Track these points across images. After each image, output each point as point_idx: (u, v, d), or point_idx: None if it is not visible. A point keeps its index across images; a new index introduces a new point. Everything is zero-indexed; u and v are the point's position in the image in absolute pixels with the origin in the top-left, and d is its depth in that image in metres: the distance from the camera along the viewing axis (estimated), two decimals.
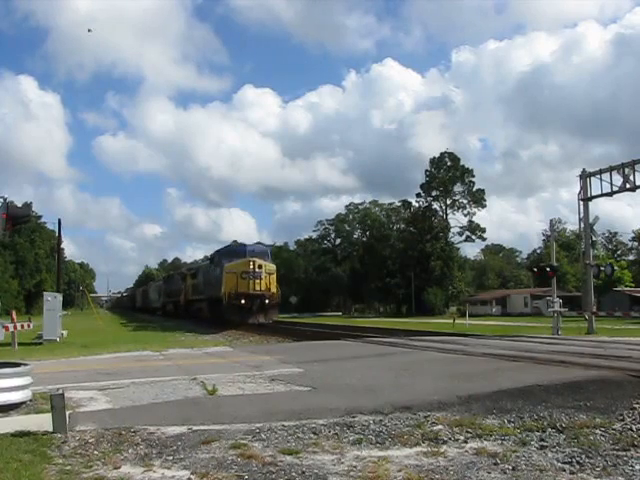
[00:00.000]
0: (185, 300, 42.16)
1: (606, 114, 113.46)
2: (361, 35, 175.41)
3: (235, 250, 32.15)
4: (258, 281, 29.09)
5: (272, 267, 30.90)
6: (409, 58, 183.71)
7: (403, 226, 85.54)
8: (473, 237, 78.55)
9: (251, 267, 28.99)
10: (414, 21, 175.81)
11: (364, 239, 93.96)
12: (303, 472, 4.67)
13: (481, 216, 79.76)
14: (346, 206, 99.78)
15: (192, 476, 4.64)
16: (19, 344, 17.77)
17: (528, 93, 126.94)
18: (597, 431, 5.76)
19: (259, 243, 43.21)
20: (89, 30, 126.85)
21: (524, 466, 4.73)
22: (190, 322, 35.35)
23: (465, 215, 77.63)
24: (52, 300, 20.81)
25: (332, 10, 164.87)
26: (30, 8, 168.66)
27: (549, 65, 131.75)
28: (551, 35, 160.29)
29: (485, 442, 5.52)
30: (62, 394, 5.96)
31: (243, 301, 28.27)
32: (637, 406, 6.79)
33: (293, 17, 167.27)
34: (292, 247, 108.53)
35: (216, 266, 32.09)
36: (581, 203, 25.22)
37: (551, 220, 42.82)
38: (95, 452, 5.35)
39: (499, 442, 5.51)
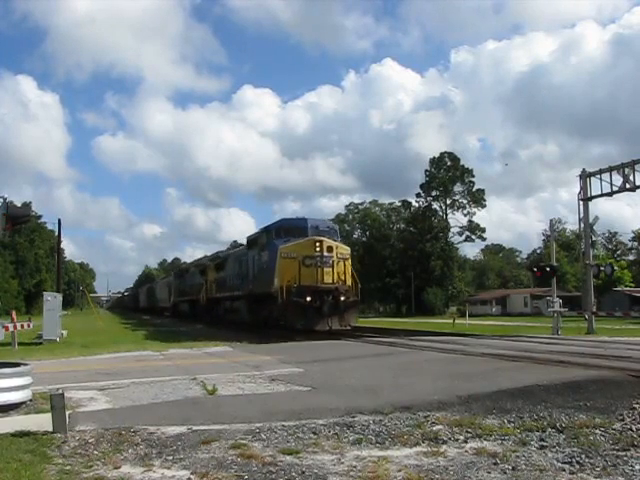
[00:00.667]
0: (206, 299, 34.07)
1: (605, 114, 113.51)
2: (359, 35, 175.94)
3: (292, 226, 22.92)
4: (328, 269, 21.00)
5: (346, 250, 22.74)
6: (408, 58, 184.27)
7: (403, 226, 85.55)
8: (473, 237, 78.63)
9: (318, 250, 20.84)
10: (412, 21, 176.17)
11: (364, 239, 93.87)
12: (303, 472, 4.67)
13: (481, 216, 79.91)
14: (346, 206, 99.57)
15: (192, 476, 4.63)
16: (19, 344, 17.77)
17: (527, 93, 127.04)
18: (597, 431, 5.75)
19: None
20: None
21: (524, 466, 4.73)
22: (218, 327, 28.04)
23: (465, 215, 77.74)
24: (52, 300, 20.80)
25: (330, 10, 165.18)
26: (28, 8, 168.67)
27: (548, 65, 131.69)
28: (549, 35, 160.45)
29: (485, 442, 5.52)
30: (62, 394, 5.96)
31: (309, 298, 20.10)
32: (637, 406, 6.78)
33: (291, 17, 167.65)
34: None
35: (262, 250, 23.43)
36: (581, 203, 25.22)
37: (551, 220, 42.76)
38: (95, 452, 5.35)
39: (499, 442, 5.51)
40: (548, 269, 25.01)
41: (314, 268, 20.65)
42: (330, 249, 21.27)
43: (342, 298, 20.81)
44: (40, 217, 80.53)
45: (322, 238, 21.40)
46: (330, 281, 20.92)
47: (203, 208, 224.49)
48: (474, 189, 77.40)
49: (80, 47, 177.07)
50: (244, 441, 5.64)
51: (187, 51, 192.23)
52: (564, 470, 4.63)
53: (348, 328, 21.57)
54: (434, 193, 78.25)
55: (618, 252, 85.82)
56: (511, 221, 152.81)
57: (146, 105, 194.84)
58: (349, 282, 21.83)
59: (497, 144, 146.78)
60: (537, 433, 5.78)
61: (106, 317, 56.56)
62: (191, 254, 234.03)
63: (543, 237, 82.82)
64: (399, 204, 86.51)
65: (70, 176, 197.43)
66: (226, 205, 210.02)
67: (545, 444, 5.38)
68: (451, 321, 36.04)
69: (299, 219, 23.71)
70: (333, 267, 21.12)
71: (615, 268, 41.44)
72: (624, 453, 5.05)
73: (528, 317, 49.47)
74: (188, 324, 34.04)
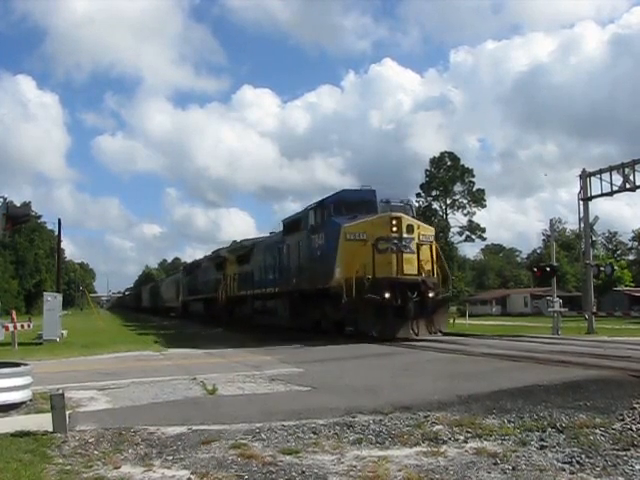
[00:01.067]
0: (226, 297, 29.14)
1: (604, 114, 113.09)
2: (358, 36, 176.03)
3: (356, 199, 17.77)
4: (410, 256, 16.24)
5: (430, 231, 17.84)
6: (407, 58, 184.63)
7: None
8: (473, 237, 78.51)
9: (395, 229, 16.06)
10: (411, 21, 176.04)
11: None
12: (303, 472, 4.66)
13: (481, 216, 79.77)
14: None
15: (192, 476, 4.63)
16: (19, 344, 17.76)
17: (526, 93, 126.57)
18: (597, 431, 5.74)
19: None
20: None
21: (524, 466, 4.72)
22: (245, 331, 22.89)
23: (465, 215, 77.62)
24: (52, 300, 20.80)
25: (329, 10, 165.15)
26: (28, 8, 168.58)
27: (547, 65, 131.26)
28: (549, 35, 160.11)
29: (485, 442, 5.51)
30: (62, 394, 5.96)
31: (387, 295, 15.44)
32: (637, 406, 6.78)
33: (290, 17, 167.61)
34: None
35: (314, 232, 18.28)
36: (581, 203, 25.20)
37: (551, 220, 42.83)
38: (95, 452, 5.35)
39: (499, 442, 5.50)
40: (548, 269, 25.01)
41: (391, 254, 15.93)
42: (411, 229, 16.35)
43: (430, 294, 16.11)
44: (40, 217, 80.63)
45: (400, 214, 16.58)
46: (414, 272, 16.23)
47: (203, 208, 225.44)
48: (474, 189, 77.41)
49: (79, 47, 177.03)
50: (244, 441, 5.63)
51: (186, 51, 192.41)
52: (564, 470, 4.63)
53: (439, 335, 16.79)
54: (434, 193, 78.12)
55: (618, 252, 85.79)
56: (511, 221, 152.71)
57: (145, 105, 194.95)
58: (437, 273, 17.08)
59: (497, 144, 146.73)
60: (537, 433, 5.76)
61: (106, 317, 56.47)
62: (191, 254, 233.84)
63: (543, 237, 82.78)
64: None
65: (70, 176, 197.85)
66: (226, 205, 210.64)
67: (545, 444, 5.37)
68: (451, 321, 35.98)
69: (365, 190, 18.11)
70: (417, 252, 16.33)
71: (615, 268, 41.47)
72: (624, 453, 5.04)
73: (528, 317, 49.44)
74: (204, 327, 29.50)
